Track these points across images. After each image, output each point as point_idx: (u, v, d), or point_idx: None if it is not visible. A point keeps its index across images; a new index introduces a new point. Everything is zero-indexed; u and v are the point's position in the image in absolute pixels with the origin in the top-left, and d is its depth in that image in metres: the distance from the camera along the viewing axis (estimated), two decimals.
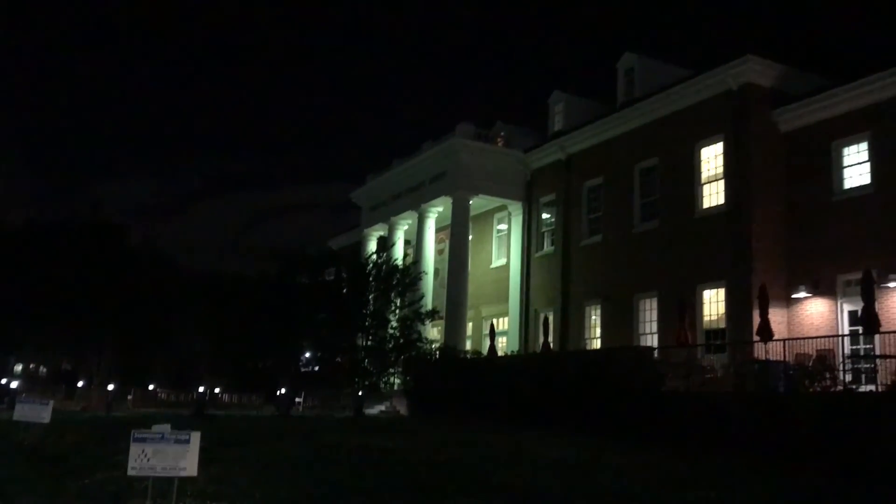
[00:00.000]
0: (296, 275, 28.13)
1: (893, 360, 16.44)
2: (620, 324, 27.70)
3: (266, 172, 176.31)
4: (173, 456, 9.53)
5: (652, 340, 26.01)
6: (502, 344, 33.77)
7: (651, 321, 26.77)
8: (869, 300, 16.88)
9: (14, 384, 36.31)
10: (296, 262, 28.32)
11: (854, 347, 20.26)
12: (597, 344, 28.83)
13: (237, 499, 9.79)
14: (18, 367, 56.82)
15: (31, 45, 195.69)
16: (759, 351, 19.13)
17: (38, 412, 17.28)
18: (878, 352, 18.25)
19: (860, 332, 18.13)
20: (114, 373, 37.02)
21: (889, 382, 15.28)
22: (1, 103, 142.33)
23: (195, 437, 9.75)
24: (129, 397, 32.18)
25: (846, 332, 21.30)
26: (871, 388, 16.49)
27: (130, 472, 9.57)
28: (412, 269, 29.86)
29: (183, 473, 9.62)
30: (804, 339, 18.75)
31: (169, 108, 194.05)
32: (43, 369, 57.60)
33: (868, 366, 17.35)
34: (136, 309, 37.70)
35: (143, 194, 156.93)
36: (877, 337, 18.89)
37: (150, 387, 37.32)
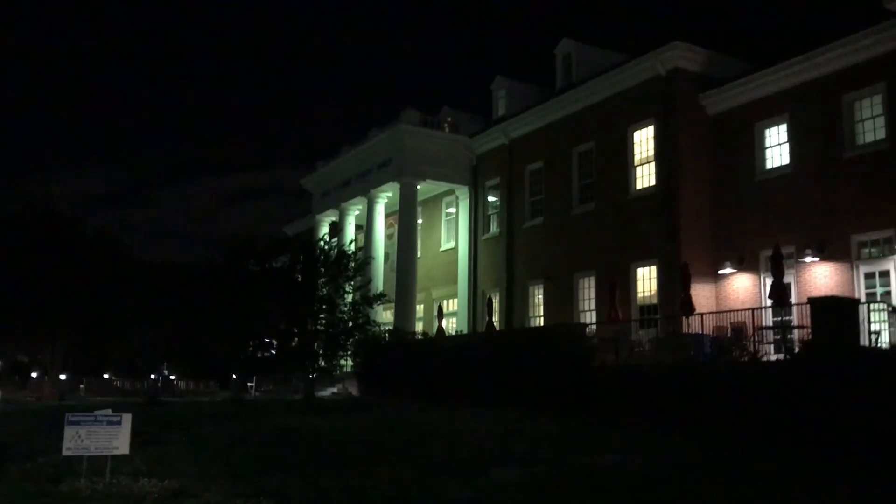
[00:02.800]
0: (243, 262, 28.66)
1: (803, 330, 17.54)
2: (561, 302, 28.71)
3: (224, 158, 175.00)
4: (106, 436, 10.24)
5: (591, 317, 27.03)
6: (453, 324, 34.68)
7: (590, 299, 27.82)
8: (778, 275, 18.00)
9: None
10: (242, 250, 28.86)
11: (776, 319, 21.41)
12: (540, 322, 29.81)
13: (168, 475, 10.48)
14: None
15: None
16: (689, 325, 20.26)
17: None
18: (796, 323, 19.39)
19: (773, 304, 19.19)
20: (69, 363, 37.26)
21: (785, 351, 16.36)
22: None
23: (126, 418, 10.45)
24: (82, 386, 32.48)
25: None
26: (781, 356, 17.60)
27: (65, 453, 10.25)
28: (359, 255, 30.52)
29: (116, 452, 10.33)
30: (720, 312, 19.90)
31: (120, 95, 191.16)
32: None
33: (777, 337, 18.41)
34: (90, 300, 37.85)
35: (99, 184, 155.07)
36: (794, 308, 20.19)
37: (106, 376, 37.65)
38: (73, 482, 10.14)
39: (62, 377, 31.65)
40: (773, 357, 17.89)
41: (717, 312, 19.92)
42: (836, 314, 15.55)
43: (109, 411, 11.02)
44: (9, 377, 41.60)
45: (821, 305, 15.74)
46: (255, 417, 19.30)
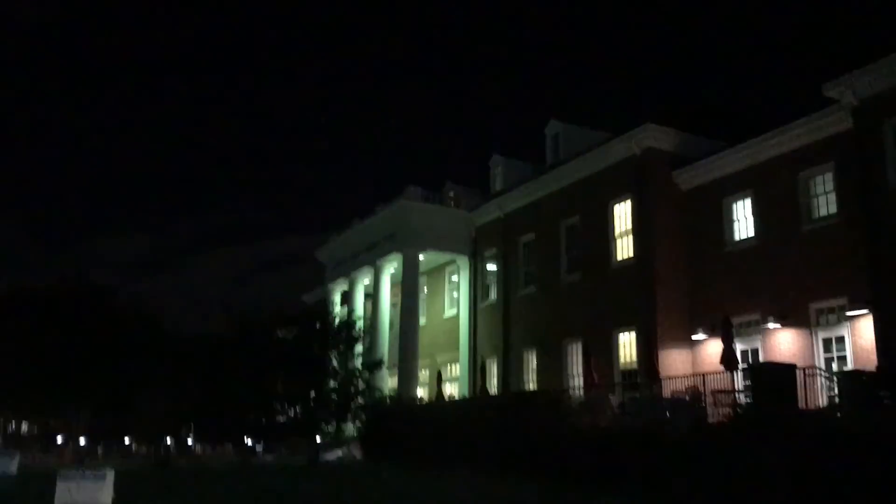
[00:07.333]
0: (250, 334, 30.54)
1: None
2: (552, 368, 30.08)
3: (254, 226, 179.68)
4: (92, 490, 11.95)
5: (578, 382, 28.32)
6: (455, 390, 36.06)
7: (577, 364, 29.14)
8: (728, 341, 19.36)
9: None
10: (246, 323, 30.79)
11: (747, 383, 22.62)
12: (533, 387, 31.13)
13: None
14: (11, 427, 59.04)
15: (15, 104, 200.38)
16: (670, 387, 21.54)
17: (5, 465, 19.59)
18: None
19: (725, 370, 20.44)
20: (91, 429, 39.14)
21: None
22: None
23: (110, 474, 12.18)
24: (99, 450, 34.32)
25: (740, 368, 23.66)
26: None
27: None
28: (361, 324, 32.26)
29: None
30: (676, 377, 21.19)
31: (158, 164, 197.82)
32: (34, 428, 59.67)
33: (729, 402, 19.56)
34: (112, 371, 39.87)
35: (135, 251, 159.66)
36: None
37: (126, 441, 39.42)
38: None
39: (81, 442, 33.54)
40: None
41: (672, 377, 21.23)
42: (774, 379, 16.83)
43: (105, 471, 12.75)
44: (36, 442, 43.61)
45: (759, 371, 17.09)
46: (249, 479, 20.85)
